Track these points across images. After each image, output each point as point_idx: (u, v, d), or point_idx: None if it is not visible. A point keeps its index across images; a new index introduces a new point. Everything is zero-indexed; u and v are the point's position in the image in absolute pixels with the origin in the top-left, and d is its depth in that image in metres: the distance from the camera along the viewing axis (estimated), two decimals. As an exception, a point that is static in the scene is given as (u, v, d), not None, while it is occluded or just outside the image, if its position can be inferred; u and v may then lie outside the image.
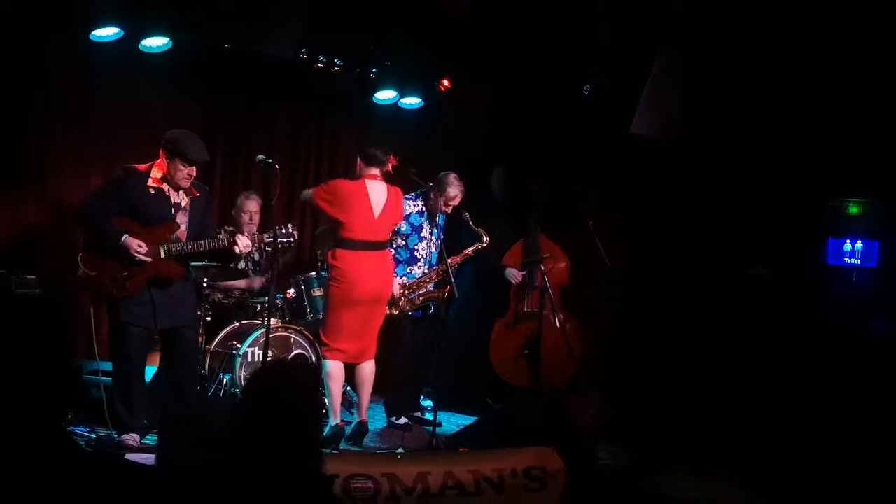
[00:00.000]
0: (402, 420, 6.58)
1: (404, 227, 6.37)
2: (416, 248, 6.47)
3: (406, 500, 4.02)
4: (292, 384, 2.46)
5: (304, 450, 2.39)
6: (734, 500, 1.66)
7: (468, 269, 6.82)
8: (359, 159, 5.99)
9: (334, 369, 5.87)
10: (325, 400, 5.81)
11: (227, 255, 5.71)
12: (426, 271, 6.47)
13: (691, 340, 6.96)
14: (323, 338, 5.95)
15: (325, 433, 5.69)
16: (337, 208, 5.82)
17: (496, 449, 4.53)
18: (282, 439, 2.34)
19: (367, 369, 6.03)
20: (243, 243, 5.50)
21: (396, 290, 6.21)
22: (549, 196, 7.13)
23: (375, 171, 5.92)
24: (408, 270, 6.44)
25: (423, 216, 6.48)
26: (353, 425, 6.08)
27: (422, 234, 6.48)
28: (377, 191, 5.91)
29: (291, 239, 5.64)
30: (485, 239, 6.43)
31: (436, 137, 7.84)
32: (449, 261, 6.20)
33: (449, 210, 6.47)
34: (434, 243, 6.48)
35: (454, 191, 6.43)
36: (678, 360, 6.53)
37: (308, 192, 6.09)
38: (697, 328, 7.05)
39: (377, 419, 6.47)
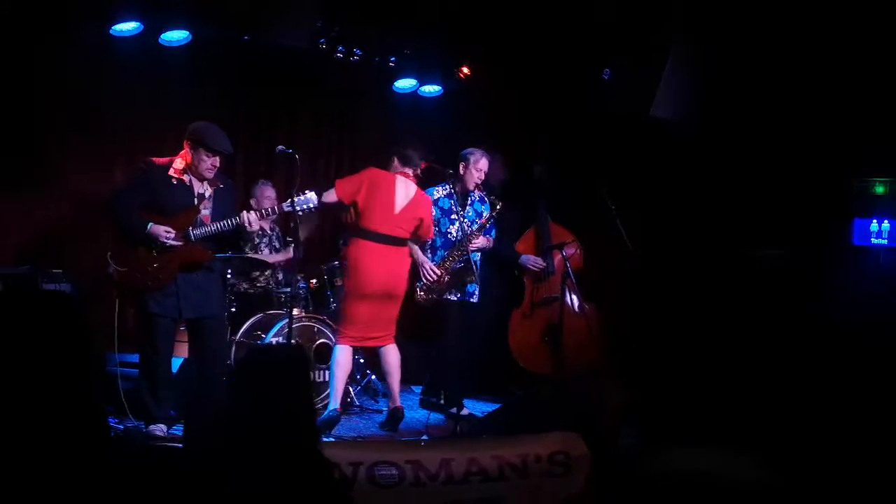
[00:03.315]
0: (465, 411, 6.39)
1: (435, 212, 6.35)
2: (448, 231, 6.40)
3: (430, 487, 4.02)
4: (277, 364, 2.49)
5: (296, 426, 2.42)
6: (747, 473, 1.66)
7: (480, 259, 6.66)
8: (395, 158, 6.05)
9: (342, 356, 5.91)
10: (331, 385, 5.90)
11: (242, 234, 5.69)
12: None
13: (709, 321, 6.91)
14: (338, 322, 6.05)
15: (321, 417, 5.75)
16: (361, 194, 5.85)
17: (520, 435, 4.52)
18: (272, 417, 2.38)
19: (392, 356, 6.06)
20: (250, 218, 5.46)
21: (431, 274, 6.21)
22: (555, 181, 7.07)
23: (409, 171, 6.04)
24: (444, 255, 6.37)
25: (451, 198, 6.41)
26: (386, 412, 6.14)
27: (452, 217, 6.42)
28: (405, 188, 5.99)
29: (311, 204, 5.58)
30: (497, 206, 6.38)
31: (456, 124, 7.83)
32: (472, 236, 6.28)
33: (481, 180, 6.43)
34: (468, 224, 6.43)
35: (484, 161, 6.40)
36: (695, 340, 6.51)
37: (330, 191, 5.87)
38: (716, 309, 7.00)
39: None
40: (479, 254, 6.46)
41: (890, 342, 6.28)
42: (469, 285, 6.42)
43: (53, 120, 6.49)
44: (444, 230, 6.40)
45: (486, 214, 6.51)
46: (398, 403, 6.09)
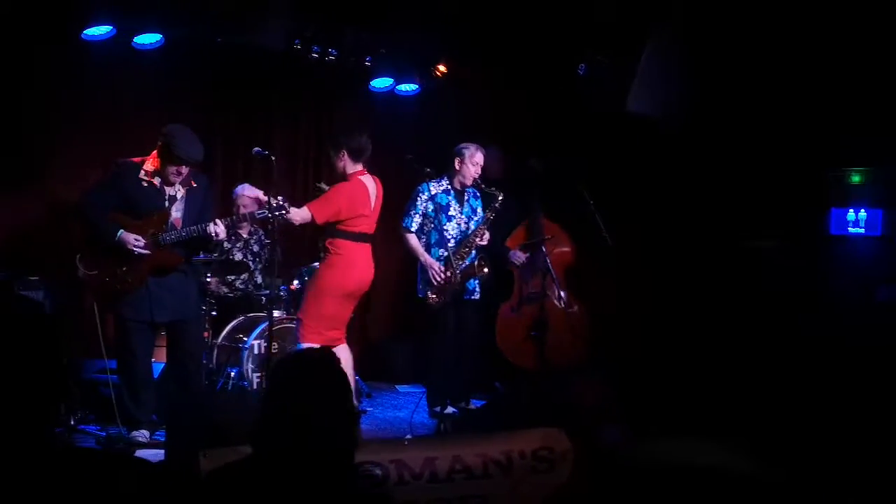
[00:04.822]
0: (449, 409, 6.29)
1: (431, 207, 6.32)
2: (444, 228, 6.35)
3: (414, 486, 4.01)
4: (328, 370, 2.43)
5: (343, 437, 2.37)
6: (732, 463, 1.67)
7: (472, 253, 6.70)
8: (345, 154, 5.82)
9: None
10: None
11: (208, 241, 5.60)
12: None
13: (694, 314, 6.93)
14: (304, 319, 5.86)
15: None
16: (342, 213, 5.76)
17: (504, 432, 4.51)
18: (318, 428, 2.32)
19: (344, 354, 6.00)
20: (217, 229, 5.40)
21: (440, 276, 6.16)
22: (548, 176, 7.06)
23: (361, 165, 5.88)
24: (439, 254, 6.34)
25: (449, 195, 6.41)
26: None
27: (449, 213, 6.41)
28: (371, 186, 5.92)
29: (283, 211, 5.48)
30: (499, 197, 6.35)
31: (434, 122, 7.83)
32: (476, 231, 6.30)
33: (478, 175, 6.37)
34: (464, 221, 6.43)
35: (479, 155, 6.37)
36: (678, 334, 6.54)
37: (304, 213, 5.73)
38: (700, 302, 7.02)
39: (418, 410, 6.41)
40: (472, 255, 6.43)
41: (868, 332, 6.34)
42: (469, 283, 6.40)
43: (28, 126, 6.43)
44: (440, 227, 6.33)
45: (479, 210, 6.51)
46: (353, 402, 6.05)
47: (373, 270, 5.99)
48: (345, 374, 2.58)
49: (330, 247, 5.88)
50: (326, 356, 2.55)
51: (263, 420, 2.36)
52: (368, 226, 5.91)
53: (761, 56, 6.76)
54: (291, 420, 2.31)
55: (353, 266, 5.85)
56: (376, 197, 5.95)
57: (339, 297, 5.84)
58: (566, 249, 7.00)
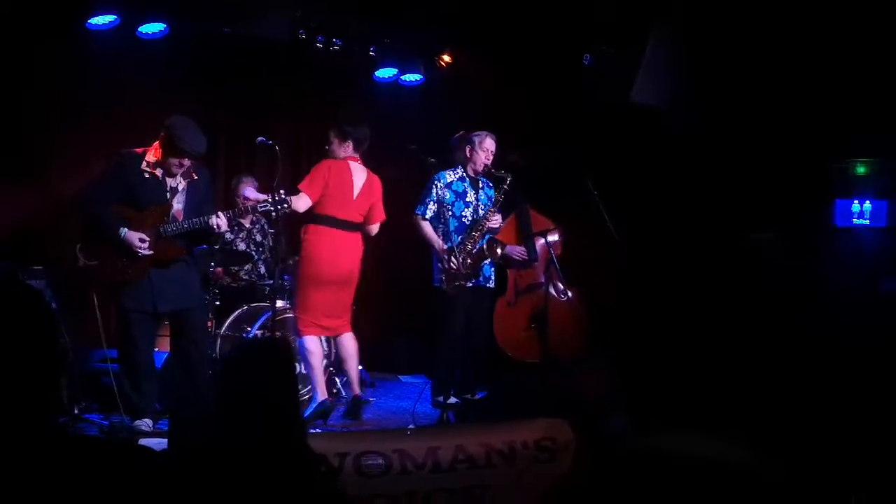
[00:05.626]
0: (452, 399, 6.26)
1: (448, 195, 6.33)
2: (462, 214, 6.36)
3: (417, 475, 4.02)
4: (262, 357, 2.46)
5: (283, 419, 2.39)
6: (734, 456, 1.67)
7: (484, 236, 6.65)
8: (350, 142, 5.94)
9: (312, 345, 5.87)
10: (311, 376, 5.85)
11: (211, 233, 5.59)
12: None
13: (696, 306, 6.92)
14: (298, 313, 5.94)
15: (310, 409, 5.72)
16: (322, 186, 5.83)
17: (507, 421, 4.52)
18: (258, 411, 2.35)
19: (348, 342, 6.04)
20: (219, 221, 5.39)
21: (449, 263, 6.15)
22: (533, 168, 7.03)
23: (357, 153, 5.97)
24: (460, 240, 6.32)
25: (464, 182, 6.42)
26: (348, 402, 6.11)
27: (467, 200, 6.40)
28: (360, 173, 5.98)
29: (286, 204, 5.53)
30: (508, 179, 6.34)
31: (438, 112, 7.82)
32: (486, 214, 6.29)
33: (488, 161, 6.37)
34: (481, 207, 6.42)
35: (489, 141, 6.38)
36: (680, 325, 6.53)
37: (300, 196, 5.80)
38: (702, 294, 7.01)
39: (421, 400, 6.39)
40: (485, 238, 6.41)
41: (873, 323, 6.32)
42: (485, 268, 6.39)
43: (31, 116, 6.43)
44: (458, 213, 6.35)
45: (493, 196, 6.52)
46: (357, 391, 6.06)
47: (354, 258, 5.99)
48: (289, 365, 2.60)
49: (303, 234, 5.95)
50: (270, 345, 2.58)
51: (214, 410, 2.42)
52: (349, 213, 5.92)
53: (765, 48, 6.73)
54: (237, 410, 2.36)
55: (323, 253, 5.87)
56: (363, 186, 5.97)
57: (318, 284, 5.87)
58: (557, 238, 6.94)
